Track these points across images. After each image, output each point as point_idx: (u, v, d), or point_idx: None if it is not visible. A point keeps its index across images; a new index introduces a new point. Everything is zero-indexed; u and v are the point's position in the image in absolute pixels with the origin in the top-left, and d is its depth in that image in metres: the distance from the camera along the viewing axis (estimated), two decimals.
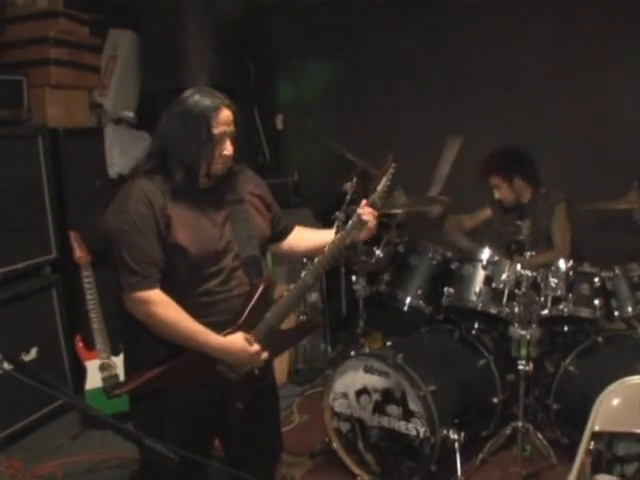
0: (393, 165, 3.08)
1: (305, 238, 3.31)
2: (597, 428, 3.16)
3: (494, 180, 4.96)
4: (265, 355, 2.91)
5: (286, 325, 3.13)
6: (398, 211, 4.72)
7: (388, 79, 6.26)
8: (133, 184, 2.78)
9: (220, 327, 2.82)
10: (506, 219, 4.95)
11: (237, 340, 2.82)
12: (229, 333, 2.82)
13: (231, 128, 2.81)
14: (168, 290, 2.76)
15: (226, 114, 2.78)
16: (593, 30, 5.43)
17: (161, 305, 2.74)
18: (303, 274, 2.97)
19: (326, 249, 2.98)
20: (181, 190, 2.78)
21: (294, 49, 6.57)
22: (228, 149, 2.80)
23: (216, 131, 2.75)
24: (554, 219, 4.90)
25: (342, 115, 6.50)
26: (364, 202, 3.05)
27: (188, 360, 2.78)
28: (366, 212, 3.00)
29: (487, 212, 5.27)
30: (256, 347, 2.86)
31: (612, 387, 3.20)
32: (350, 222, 3.00)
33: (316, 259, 2.99)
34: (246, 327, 2.85)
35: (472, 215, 5.30)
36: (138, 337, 2.86)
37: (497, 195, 5.00)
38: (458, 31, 5.91)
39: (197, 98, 2.77)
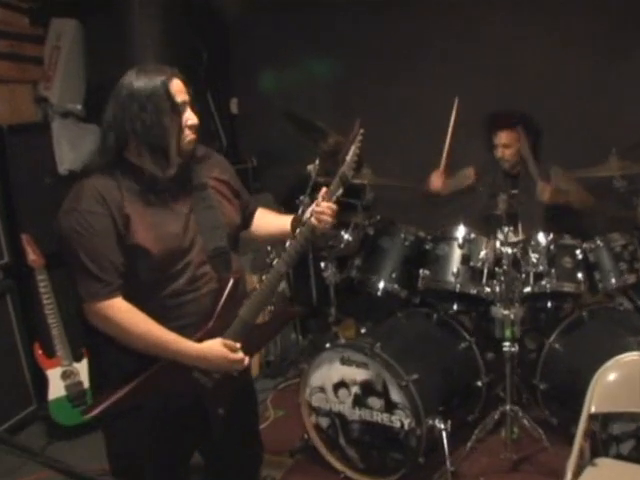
0: (361, 132, 2.84)
1: (265, 224, 3.10)
2: (594, 409, 3.03)
3: (507, 137, 4.77)
4: (247, 360, 2.72)
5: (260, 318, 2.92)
6: (364, 181, 4.60)
7: (356, 55, 6.06)
8: (84, 182, 2.53)
9: (190, 330, 2.61)
10: (497, 191, 4.65)
11: (215, 346, 2.62)
12: (202, 337, 2.62)
13: (187, 97, 2.62)
14: (130, 295, 2.53)
15: (178, 82, 2.59)
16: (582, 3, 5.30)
17: (126, 314, 2.51)
18: (275, 263, 2.78)
19: (295, 237, 2.79)
20: (140, 183, 2.56)
21: (249, 31, 6.36)
22: (192, 118, 2.60)
23: (177, 99, 2.55)
24: (554, 176, 4.76)
25: (304, 95, 6.31)
26: (323, 191, 2.82)
27: (160, 371, 2.56)
28: (321, 209, 2.77)
29: (469, 175, 5.05)
30: (238, 355, 2.67)
31: (607, 365, 3.07)
32: (304, 224, 2.79)
33: (287, 244, 2.79)
34: (219, 327, 2.65)
35: (450, 182, 5.01)
36: (102, 347, 2.63)
37: (503, 154, 4.80)
38: None
39: (145, 76, 2.55)
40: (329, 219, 2.77)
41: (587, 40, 5.30)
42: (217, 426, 2.75)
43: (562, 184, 4.76)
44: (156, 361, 2.55)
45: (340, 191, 2.82)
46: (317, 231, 2.78)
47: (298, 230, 2.80)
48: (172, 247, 2.56)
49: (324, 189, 2.82)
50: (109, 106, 2.57)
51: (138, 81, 2.53)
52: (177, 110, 2.54)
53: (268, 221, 3.10)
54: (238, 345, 2.67)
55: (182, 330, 2.58)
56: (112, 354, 2.60)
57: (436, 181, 4.85)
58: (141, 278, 2.55)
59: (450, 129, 4.68)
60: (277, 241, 2.84)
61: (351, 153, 2.82)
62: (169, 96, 2.51)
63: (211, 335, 2.63)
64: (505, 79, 5.49)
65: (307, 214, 2.80)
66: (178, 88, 2.56)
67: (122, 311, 2.50)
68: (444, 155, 4.76)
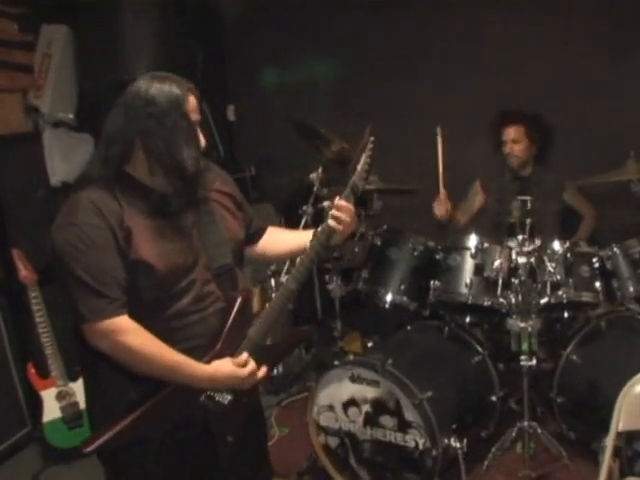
0: (372, 140, 2.69)
1: (280, 241, 2.93)
2: (621, 427, 2.86)
3: (515, 132, 4.73)
4: (262, 371, 2.57)
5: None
6: (372, 187, 4.47)
7: (356, 56, 5.96)
8: (78, 195, 2.35)
9: (197, 353, 2.44)
10: (505, 194, 4.66)
11: (225, 367, 2.45)
12: (210, 360, 2.45)
13: (199, 116, 2.47)
14: (132, 315, 2.35)
15: (194, 100, 2.45)
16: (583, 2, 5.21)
17: (133, 334, 2.32)
18: (285, 280, 2.69)
19: (306, 250, 2.64)
20: (142, 199, 2.39)
21: (246, 32, 6.25)
22: (201, 139, 2.47)
23: (193, 118, 2.42)
24: (570, 195, 4.76)
25: (304, 98, 6.19)
26: (337, 198, 2.67)
27: (166, 398, 2.38)
28: (340, 208, 2.62)
29: (479, 197, 5.01)
30: (249, 367, 2.50)
31: (634, 380, 2.88)
32: (322, 225, 2.64)
33: (298, 260, 2.66)
34: (227, 349, 2.48)
35: (464, 208, 5.05)
36: (102, 372, 2.44)
37: (511, 150, 4.76)
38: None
39: (160, 86, 2.38)
40: (348, 219, 2.62)
41: (588, 40, 5.21)
42: (225, 455, 2.58)
43: (575, 203, 4.78)
44: (161, 386, 2.37)
45: (351, 202, 2.68)
46: (336, 235, 2.64)
47: (309, 244, 2.64)
48: (177, 263, 2.40)
49: (337, 198, 2.66)
50: (116, 114, 2.40)
51: (154, 92, 2.37)
52: (194, 130, 2.42)
53: (281, 239, 2.95)
54: (245, 355, 2.50)
55: (189, 353, 2.41)
56: (113, 379, 2.42)
57: (439, 209, 4.79)
58: (143, 297, 2.38)
59: (440, 159, 4.63)
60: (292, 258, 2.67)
61: (362, 162, 2.68)
62: (185, 114, 2.38)
63: (219, 358, 2.47)
64: (506, 79, 5.41)
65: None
66: (193, 106, 2.42)
67: (130, 331, 2.31)
68: (440, 183, 4.70)
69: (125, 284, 2.32)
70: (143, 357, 2.32)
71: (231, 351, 2.49)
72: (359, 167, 2.67)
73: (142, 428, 2.34)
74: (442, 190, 4.72)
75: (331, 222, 2.60)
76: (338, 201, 2.63)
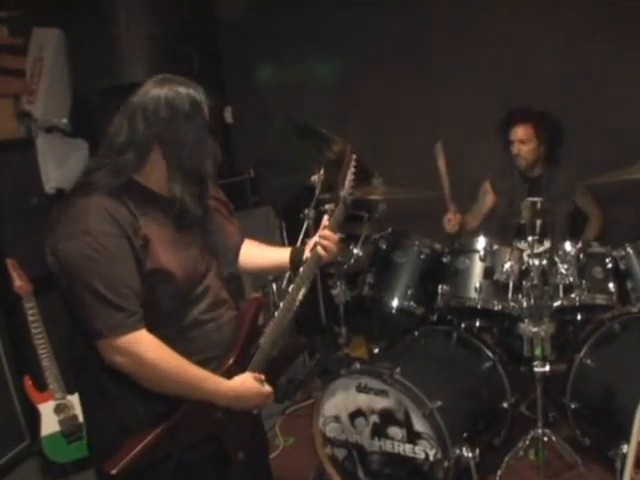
0: (354, 157, 2.92)
1: (254, 257, 2.90)
2: None
3: (523, 132, 4.60)
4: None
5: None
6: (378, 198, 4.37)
7: (356, 56, 5.87)
8: (87, 201, 2.21)
9: (212, 364, 2.38)
10: (516, 195, 4.58)
11: (249, 382, 2.42)
12: (226, 371, 2.39)
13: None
14: (147, 329, 2.23)
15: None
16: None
17: (156, 349, 2.21)
18: (290, 289, 2.62)
19: (307, 259, 2.69)
20: (151, 204, 2.30)
21: (243, 32, 6.16)
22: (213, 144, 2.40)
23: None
24: (579, 195, 4.66)
25: (303, 99, 6.07)
26: (325, 220, 2.79)
27: (186, 413, 2.28)
28: (327, 237, 2.70)
29: (489, 197, 4.91)
30: (268, 387, 2.48)
31: None
32: (307, 256, 2.73)
33: (301, 269, 2.66)
34: (242, 361, 2.45)
35: (475, 211, 4.95)
36: (103, 385, 2.31)
37: (519, 151, 4.63)
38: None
39: (181, 90, 2.31)
40: (334, 247, 2.70)
41: (591, 32, 5.12)
42: (237, 472, 2.50)
43: (583, 203, 4.69)
44: (168, 399, 2.27)
45: (336, 231, 2.81)
46: (323, 261, 2.72)
47: (309, 256, 2.70)
48: (194, 270, 2.35)
49: (326, 217, 2.80)
50: (130, 121, 2.28)
51: (175, 95, 2.29)
52: (210, 133, 2.35)
53: (257, 254, 2.91)
54: (263, 377, 2.48)
55: (206, 365, 2.34)
56: (117, 393, 2.30)
57: (451, 226, 4.67)
58: (160, 308, 2.28)
59: (443, 174, 4.52)
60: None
61: (348, 178, 2.87)
62: (205, 117, 2.32)
63: (236, 369, 2.42)
64: (510, 78, 5.33)
65: (310, 242, 2.77)
66: (207, 111, 2.36)
67: (151, 346, 2.21)
68: (447, 197, 4.60)
69: (141, 297, 2.22)
70: (166, 373, 2.23)
71: (246, 362, 2.46)
72: (346, 182, 2.86)
73: (161, 448, 2.24)
74: (451, 207, 4.63)
75: (319, 250, 2.67)
76: (323, 232, 2.71)
